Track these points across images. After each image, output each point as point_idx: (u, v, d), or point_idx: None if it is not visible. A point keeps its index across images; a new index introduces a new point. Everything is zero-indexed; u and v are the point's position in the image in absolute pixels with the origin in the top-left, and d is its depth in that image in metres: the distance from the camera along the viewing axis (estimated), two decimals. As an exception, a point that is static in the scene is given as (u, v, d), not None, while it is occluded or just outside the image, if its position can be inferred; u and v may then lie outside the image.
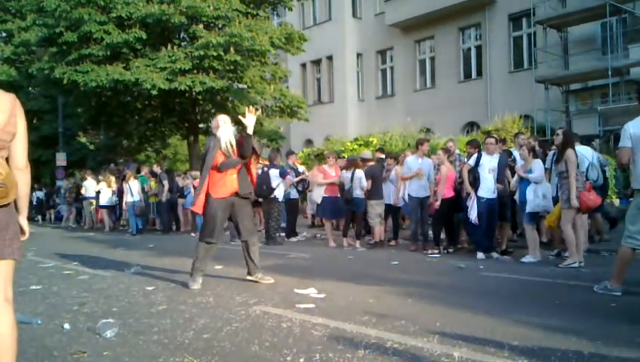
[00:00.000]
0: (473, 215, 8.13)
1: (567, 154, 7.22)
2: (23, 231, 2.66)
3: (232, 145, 5.98)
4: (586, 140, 10.33)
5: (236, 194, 5.99)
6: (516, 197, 8.23)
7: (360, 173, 10.04)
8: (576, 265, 7.08)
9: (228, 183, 5.94)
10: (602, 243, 9.05)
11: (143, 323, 4.37)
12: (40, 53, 21.99)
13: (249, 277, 6.18)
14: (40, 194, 23.76)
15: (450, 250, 9.10)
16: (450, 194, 8.91)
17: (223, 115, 6.35)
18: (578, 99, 19.75)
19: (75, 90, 18.86)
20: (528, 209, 7.69)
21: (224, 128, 6.06)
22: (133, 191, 14.95)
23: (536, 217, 7.99)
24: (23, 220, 2.66)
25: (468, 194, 8.30)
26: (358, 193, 9.99)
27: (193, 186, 14.27)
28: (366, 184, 9.95)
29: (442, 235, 9.39)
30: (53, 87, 20.45)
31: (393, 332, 3.90)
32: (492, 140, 8.60)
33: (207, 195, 5.96)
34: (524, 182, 7.88)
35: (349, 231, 10.38)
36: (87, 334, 4.01)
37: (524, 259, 7.77)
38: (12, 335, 2.47)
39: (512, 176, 8.47)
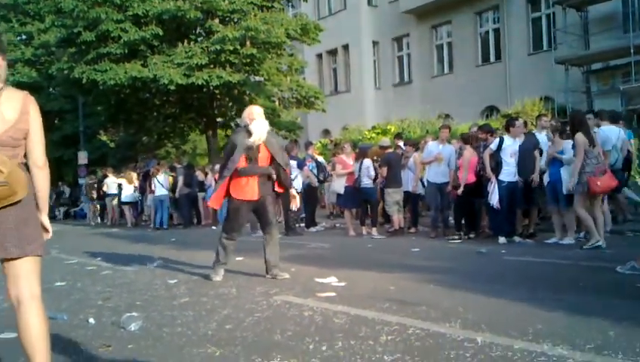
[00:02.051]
0: (495, 199, 8.06)
1: (575, 139, 7.11)
2: (45, 230, 2.68)
3: (260, 141, 5.60)
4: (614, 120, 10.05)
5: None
6: (545, 178, 8.08)
7: (368, 162, 10.05)
8: (600, 243, 6.96)
9: (248, 189, 5.67)
10: (626, 223, 8.89)
11: (166, 315, 4.41)
12: (59, 54, 22.29)
13: (267, 276, 5.88)
14: (67, 190, 24.34)
15: (472, 236, 9.01)
16: (472, 179, 8.83)
17: (258, 107, 5.94)
18: (599, 79, 19.34)
19: (94, 89, 19.08)
20: (565, 190, 7.52)
21: (258, 123, 5.62)
22: (163, 184, 15.12)
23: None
24: (45, 218, 2.68)
25: (489, 179, 8.21)
26: (367, 182, 9.97)
27: (215, 180, 14.39)
28: (373, 173, 9.95)
29: (462, 221, 9.32)
30: (72, 87, 20.72)
31: (415, 318, 3.88)
32: (521, 122, 8.49)
33: (229, 193, 5.75)
34: (554, 164, 7.74)
35: (366, 220, 10.37)
36: (111, 328, 4.06)
37: (562, 241, 7.65)
38: (43, 330, 2.50)
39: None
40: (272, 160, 5.80)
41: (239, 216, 5.81)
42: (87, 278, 6.58)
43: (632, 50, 16.48)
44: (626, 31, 17.64)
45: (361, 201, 10.31)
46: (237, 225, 5.87)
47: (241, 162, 5.63)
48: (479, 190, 8.68)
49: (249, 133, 5.60)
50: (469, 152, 8.94)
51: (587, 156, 7.06)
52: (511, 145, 8.18)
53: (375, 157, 10.54)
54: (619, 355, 2.92)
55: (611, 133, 8.39)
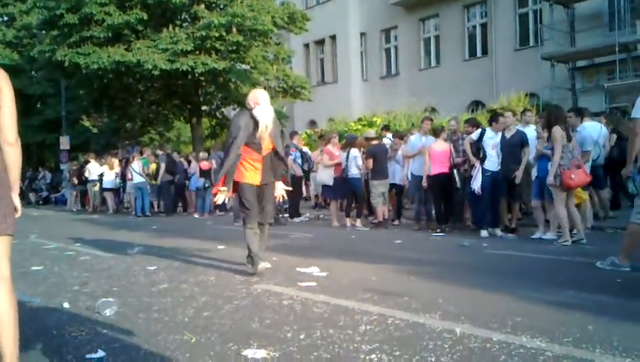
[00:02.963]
0: (477, 185, 8.10)
1: (552, 132, 7.13)
2: (15, 209, 2.60)
3: (266, 130, 5.27)
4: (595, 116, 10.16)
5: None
6: (533, 173, 8.09)
7: (355, 152, 10.02)
8: (568, 243, 7.01)
9: (251, 174, 5.42)
10: (607, 220, 8.96)
11: (143, 301, 4.34)
12: (41, 37, 21.91)
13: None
14: (48, 175, 24.06)
15: (446, 228, 9.06)
16: (444, 170, 8.89)
17: (264, 91, 5.56)
18: (584, 76, 19.48)
19: (77, 73, 18.79)
20: (549, 184, 7.49)
21: (263, 109, 5.29)
22: (138, 172, 14.95)
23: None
24: (15, 197, 2.60)
25: (467, 168, 8.29)
26: (354, 173, 9.94)
27: (200, 168, 14.28)
28: (361, 163, 9.92)
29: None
30: (55, 70, 20.38)
31: (395, 308, 3.86)
32: (505, 119, 8.49)
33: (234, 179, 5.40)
34: (543, 159, 7.76)
35: (351, 211, 10.34)
36: (86, 313, 3.99)
37: (545, 236, 7.69)
38: (11, 313, 2.42)
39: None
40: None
41: (250, 200, 5.40)
42: (65, 263, 6.47)
43: (617, 49, 16.60)
44: (611, 29, 17.77)
45: (347, 192, 10.27)
46: (252, 209, 5.39)
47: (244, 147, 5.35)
48: (451, 182, 8.88)
49: (253, 119, 5.27)
50: (438, 145, 9.00)
51: (562, 150, 7.09)
52: (492, 138, 8.22)
53: (361, 149, 10.50)
54: (597, 348, 2.92)
55: (593, 130, 8.42)
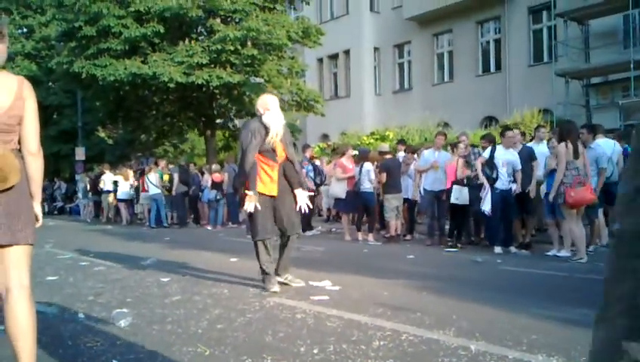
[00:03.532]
0: (487, 207, 8.06)
1: (556, 149, 7.12)
2: (36, 218, 2.64)
3: (277, 138, 5.11)
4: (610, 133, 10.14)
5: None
6: (543, 189, 8.04)
7: (368, 165, 10.03)
8: (584, 260, 6.96)
9: (267, 185, 5.19)
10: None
11: (157, 313, 4.36)
12: (59, 48, 22.24)
13: (278, 279, 5.40)
14: (63, 186, 24.28)
15: (459, 245, 9.03)
16: (449, 185, 8.99)
17: (273, 96, 5.39)
18: (599, 93, 19.39)
19: (93, 85, 19.02)
20: (551, 200, 7.46)
21: (274, 115, 5.12)
22: (154, 183, 15.07)
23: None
24: (37, 206, 2.64)
25: (480, 185, 8.26)
26: (367, 186, 9.95)
27: (212, 181, 14.35)
28: (374, 177, 9.93)
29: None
30: (72, 82, 20.66)
31: (408, 324, 3.84)
32: (512, 133, 8.50)
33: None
34: (552, 175, 7.73)
35: (362, 225, 10.34)
36: (101, 324, 4.01)
37: (559, 253, 7.63)
38: (30, 322, 2.45)
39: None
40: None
41: (261, 212, 5.13)
42: (80, 273, 6.52)
43: (632, 66, 16.52)
44: (626, 46, 17.70)
45: (359, 206, 10.27)
46: (265, 222, 5.17)
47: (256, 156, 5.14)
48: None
49: (263, 125, 5.11)
50: (452, 160, 9.10)
51: (567, 167, 7.06)
52: (502, 155, 8.20)
53: (374, 163, 10.52)
54: (614, 368, 2.88)
55: (606, 146, 8.37)
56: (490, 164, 8.16)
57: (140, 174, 16.40)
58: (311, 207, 5.63)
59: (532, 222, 8.83)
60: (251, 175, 5.08)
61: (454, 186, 8.85)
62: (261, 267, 5.29)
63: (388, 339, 3.47)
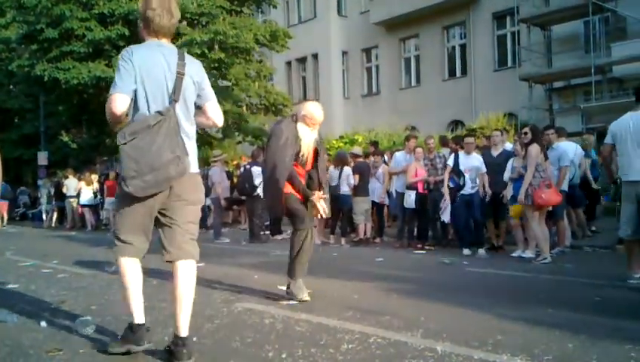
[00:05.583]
0: (446, 216, 8.38)
1: (529, 150, 7.27)
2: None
3: (307, 154, 4.90)
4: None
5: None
6: (508, 193, 8.15)
7: (348, 170, 10.05)
8: (548, 261, 7.11)
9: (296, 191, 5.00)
10: (585, 239, 9.09)
11: (122, 320, 4.25)
12: (20, 51, 21.71)
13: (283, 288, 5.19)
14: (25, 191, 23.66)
15: (429, 246, 9.15)
16: (420, 190, 9.10)
17: (320, 113, 4.95)
18: (561, 97, 19.89)
19: (56, 88, 18.64)
20: (520, 204, 7.58)
21: (310, 131, 4.87)
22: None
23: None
24: None
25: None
26: (345, 190, 9.97)
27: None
28: (352, 181, 9.95)
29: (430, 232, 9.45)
30: (34, 85, 20.21)
31: (377, 327, 3.85)
32: (472, 139, 8.70)
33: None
34: (520, 179, 7.83)
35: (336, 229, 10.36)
36: (64, 332, 3.91)
37: (524, 255, 7.76)
38: None
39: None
40: (315, 161, 5.13)
41: (300, 206, 4.97)
42: (43, 281, 6.35)
43: (592, 70, 16.99)
44: (587, 51, 18.20)
45: (335, 209, 10.27)
46: (304, 214, 4.98)
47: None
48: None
49: (297, 136, 4.83)
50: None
51: (536, 170, 7.21)
52: (465, 161, 8.36)
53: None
54: (577, 366, 2.95)
55: (568, 149, 8.58)
56: (456, 172, 8.29)
57: (105, 179, 16.09)
58: (327, 211, 5.43)
59: (504, 226, 8.95)
60: (295, 178, 4.87)
61: (406, 191, 9.04)
62: (295, 270, 5.08)
63: (356, 342, 3.47)
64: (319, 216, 5.26)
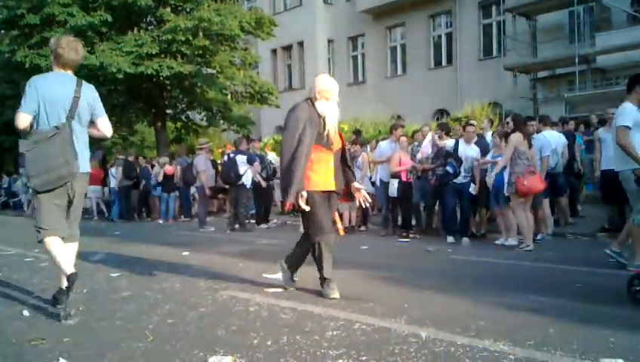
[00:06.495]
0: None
1: (510, 138, 7.32)
2: None
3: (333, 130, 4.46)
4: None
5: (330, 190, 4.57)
6: (490, 183, 8.20)
7: None
8: (531, 248, 7.18)
9: (322, 177, 4.47)
10: (567, 226, 9.20)
11: (106, 309, 4.26)
12: (0, 36, 21.29)
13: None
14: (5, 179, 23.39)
15: (414, 234, 9.23)
16: (403, 179, 9.16)
17: (333, 82, 4.61)
18: (545, 87, 20.03)
19: (37, 75, 18.29)
20: (506, 192, 7.62)
21: (333, 105, 4.51)
22: (115, 176, 15.02)
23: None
24: None
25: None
26: None
27: (164, 174, 14.08)
28: None
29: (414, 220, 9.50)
30: (14, 72, 19.82)
31: (361, 313, 3.88)
32: (473, 128, 8.69)
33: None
34: (502, 170, 7.88)
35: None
36: (47, 321, 3.89)
37: (506, 242, 7.83)
38: None
39: None
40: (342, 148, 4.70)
41: (319, 211, 4.44)
42: (25, 270, 6.29)
43: (576, 60, 17.11)
44: (571, 41, 18.32)
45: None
46: (323, 219, 4.46)
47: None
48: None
49: (317, 114, 4.43)
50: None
51: (520, 157, 7.26)
52: (464, 150, 8.37)
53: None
54: (557, 351, 2.99)
55: (551, 138, 8.64)
56: (456, 157, 8.26)
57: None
58: (370, 201, 5.09)
59: (484, 213, 9.04)
60: (299, 170, 4.29)
61: (390, 180, 9.09)
62: (321, 271, 4.61)
63: (341, 329, 3.49)
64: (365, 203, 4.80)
